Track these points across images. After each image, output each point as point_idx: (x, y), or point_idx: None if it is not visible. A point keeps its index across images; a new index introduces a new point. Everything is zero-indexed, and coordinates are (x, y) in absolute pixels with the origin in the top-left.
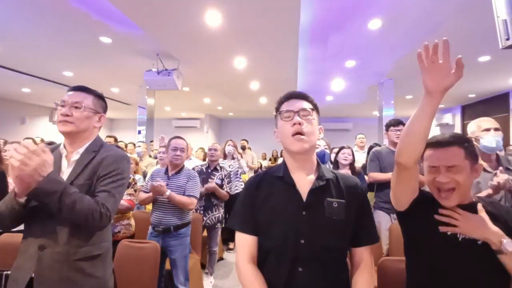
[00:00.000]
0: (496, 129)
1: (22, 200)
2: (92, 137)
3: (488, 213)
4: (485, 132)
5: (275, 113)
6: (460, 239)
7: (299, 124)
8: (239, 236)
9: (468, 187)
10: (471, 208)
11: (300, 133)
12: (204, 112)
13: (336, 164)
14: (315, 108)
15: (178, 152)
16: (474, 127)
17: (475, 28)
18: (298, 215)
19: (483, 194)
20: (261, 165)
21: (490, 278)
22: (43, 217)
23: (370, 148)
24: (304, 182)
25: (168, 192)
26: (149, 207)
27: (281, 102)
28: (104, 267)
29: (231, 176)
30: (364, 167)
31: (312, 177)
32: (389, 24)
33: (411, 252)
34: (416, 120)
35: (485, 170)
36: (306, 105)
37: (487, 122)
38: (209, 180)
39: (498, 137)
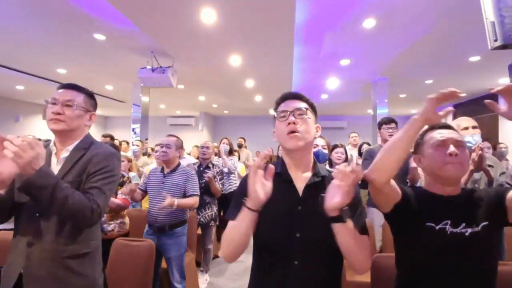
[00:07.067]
0: (474, 127)
1: (2, 192)
2: (82, 135)
3: (474, 198)
4: (464, 131)
5: (273, 115)
6: (448, 232)
7: (294, 123)
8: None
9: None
10: (460, 197)
11: (294, 131)
12: (199, 110)
13: (330, 163)
14: (311, 107)
15: (164, 149)
16: (454, 126)
17: (466, 29)
18: (294, 209)
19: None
20: None
21: (478, 270)
22: (31, 214)
23: (361, 146)
24: (300, 178)
25: (176, 202)
26: (146, 204)
27: (278, 103)
28: (93, 266)
29: (223, 173)
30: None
31: (309, 174)
32: (383, 23)
33: (399, 247)
34: (405, 141)
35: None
36: (301, 104)
37: (466, 121)
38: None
39: (476, 136)
